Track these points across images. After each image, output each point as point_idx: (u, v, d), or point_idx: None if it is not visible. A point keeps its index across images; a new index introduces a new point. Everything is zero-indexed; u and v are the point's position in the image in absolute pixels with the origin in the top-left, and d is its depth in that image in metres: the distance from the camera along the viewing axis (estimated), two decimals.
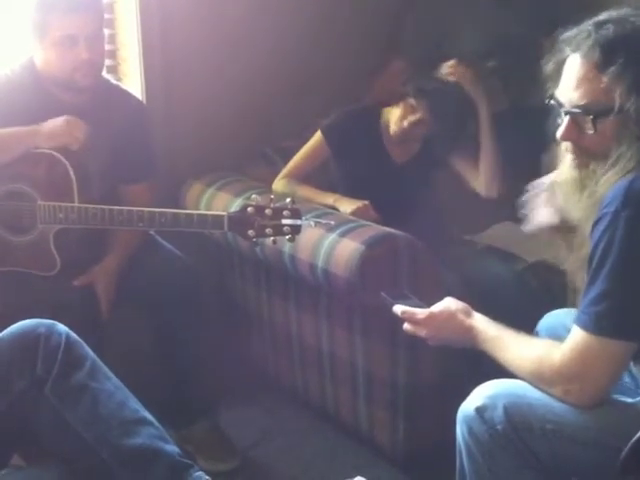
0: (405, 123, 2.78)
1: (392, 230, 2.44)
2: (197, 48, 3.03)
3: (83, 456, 1.93)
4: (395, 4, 3.39)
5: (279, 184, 2.84)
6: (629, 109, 1.61)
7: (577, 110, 1.67)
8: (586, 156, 1.70)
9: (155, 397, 2.28)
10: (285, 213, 2.18)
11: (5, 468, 1.98)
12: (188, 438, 2.60)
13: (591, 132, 1.66)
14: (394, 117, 2.82)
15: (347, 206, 2.65)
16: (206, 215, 2.32)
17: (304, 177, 2.84)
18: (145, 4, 2.88)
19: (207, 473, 2.00)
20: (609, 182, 1.63)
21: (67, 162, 2.34)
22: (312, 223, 2.22)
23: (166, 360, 2.62)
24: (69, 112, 2.40)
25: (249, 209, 2.20)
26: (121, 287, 2.53)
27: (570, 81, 1.68)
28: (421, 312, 1.87)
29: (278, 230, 2.20)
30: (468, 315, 1.83)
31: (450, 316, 1.84)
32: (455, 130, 2.79)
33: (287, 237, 2.20)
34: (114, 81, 2.74)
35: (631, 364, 1.75)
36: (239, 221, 2.22)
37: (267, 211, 2.19)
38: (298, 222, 2.19)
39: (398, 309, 1.90)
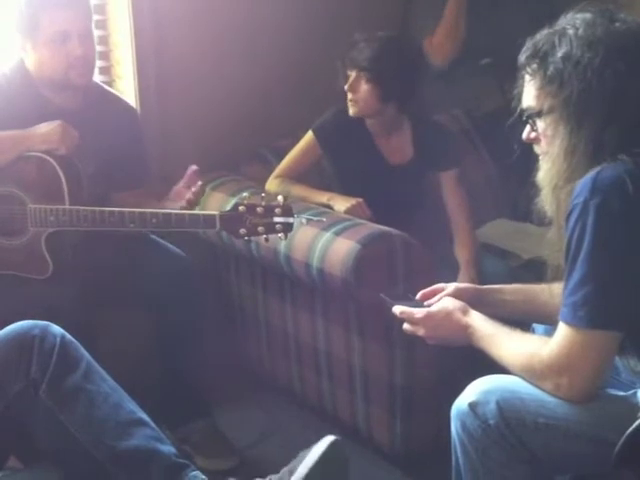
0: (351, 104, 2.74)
1: (387, 228, 2.44)
2: (191, 48, 3.02)
3: (79, 458, 1.94)
4: (393, 4, 3.39)
5: (272, 183, 2.82)
6: (554, 108, 1.67)
7: (524, 115, 1.76)
8: (542, 156, 1.76)
9: (153, 396, 2.28)
10: (277, 211, 2.18)
11: (2, 470, 1.99)
12: (186, 438, 2.59)
13: (534, 134, 1.75)
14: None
15: (341, 204, 2.64)
16: (198, 215, 2.31)
17: (297, 176, 2.83)
18: (137, 5, 2.88)
19: (206, 472, 2.01)
20: (567, 178, 1.67)
21: (57, 164, 2.34)
22: (304, 220, 2.22)
23: (163, 359, 2.62)
24: (60, 114, 2.40)
25: (240, 207, 2.20)
26: (119, 286, 2.54)
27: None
28: (419, 312, 1.88)
29: (270, 228, 2.19)
30: (465, 313, 1.84)
31: (447, 315, 1.85)
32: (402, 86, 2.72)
33: (279, 235, 2.20)
34: (106, 86, 2.75)
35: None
36: (231, 220, 2.21)
37: (259, 209, 2.18)
38: (290, 220, 2.18)
39: (397, 309, 1.92)
